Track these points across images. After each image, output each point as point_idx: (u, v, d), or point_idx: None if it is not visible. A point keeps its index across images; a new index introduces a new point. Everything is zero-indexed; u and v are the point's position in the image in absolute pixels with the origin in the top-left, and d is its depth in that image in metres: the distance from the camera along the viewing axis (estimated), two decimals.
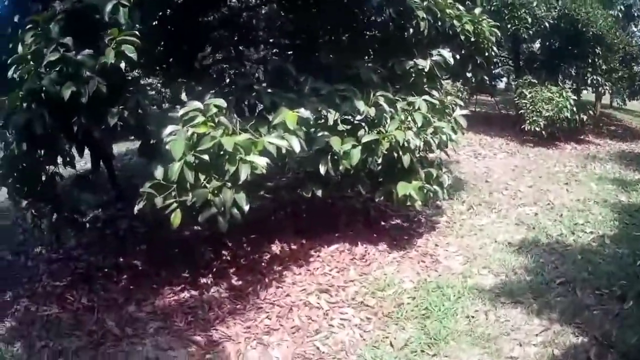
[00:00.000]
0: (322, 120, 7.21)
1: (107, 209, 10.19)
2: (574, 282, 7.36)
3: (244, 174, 5.37)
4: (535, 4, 17.50)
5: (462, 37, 8.80)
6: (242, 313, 6.90)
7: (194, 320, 6.80)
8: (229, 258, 8.40)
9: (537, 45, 22.13)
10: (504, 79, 26.89)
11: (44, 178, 6.86)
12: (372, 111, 7.16)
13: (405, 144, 7.24)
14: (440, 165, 8.53)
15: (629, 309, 6.64)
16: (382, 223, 9.72)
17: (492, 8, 17.06)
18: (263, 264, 8.24)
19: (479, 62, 9.52)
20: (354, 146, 7.14)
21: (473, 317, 6.63)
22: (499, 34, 9.68)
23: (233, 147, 5.39)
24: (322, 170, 7.15)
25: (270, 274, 7.87)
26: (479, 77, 10.40)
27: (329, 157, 7.16)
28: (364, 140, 7.16)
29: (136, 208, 5.80)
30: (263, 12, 9.99)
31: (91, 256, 8.62)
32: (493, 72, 23.19)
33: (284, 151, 5.82)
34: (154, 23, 8.21)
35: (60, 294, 7.49)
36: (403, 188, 7.62)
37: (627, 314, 6.55)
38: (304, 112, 6.17)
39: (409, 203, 7.75)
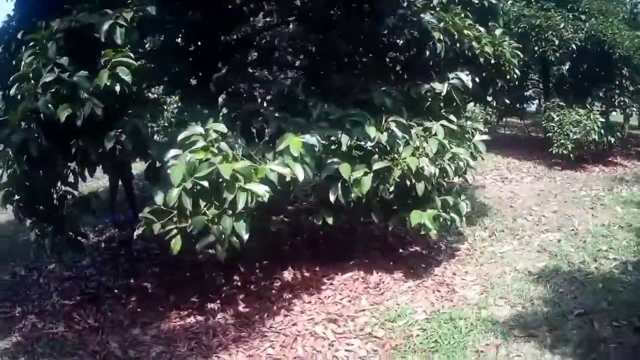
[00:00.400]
0: (335, 146, 6.88)
1: (124, 229, 10.07)
2: (592, 314, 6.81)
3: (242, 202, 5.17)
4: (562, 25, 16.90)
5: (482, 59, 8.33)
6: (246, 341, 6.64)
7: (197, 346, 6.60)
8: (239, 283, 8.12)
9: (566, 67, 21.50)
10: (536, 102, 26.23)
11: (49, 197, 6.67)
12: (383, 137, 6.70)
13: (420, 171, 6.81)
14: (458, 192, 8.08)
15: None
16: (400, 250, 9.22)
17: (519, 30, 16.73)
18: (273, 290, 7.93)
19: (499, 85, 9.05)
20: (365, 173, 6.74)
21: (482, 351, 6.15)
22: (521, 56, 9.24)
23: (231, 174, 5.17)
24: (331, 198, 6.78)
25: (280, 301, 7.56)
26: (501, 100, 9.87)
27: (340, 184, 6.74)
28: (375, 167, 6.76)
29: (136, 233, 5.70)
30: (282, 32, 9.61)
31: (103, 276, 8.56)
32: (524, 94, 22.71)
33: (288, 179, 5.55)
34: (176, 40, 8.14)
35: (67, 313, 7.44)
36: (417, 217, 7.15)
37: None
38: (310, 138, 5.86)
39: (423, 232, 7.27)
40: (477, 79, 8.29)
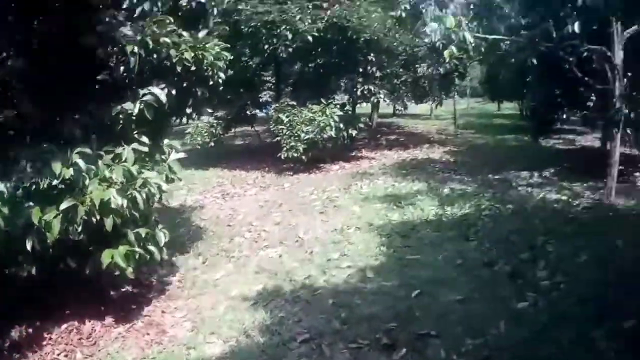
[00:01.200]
0: (34, 188, 6.84)
1: None
2: (320, 337, 6.82)
3: None
4: (298, 17, 17.12)
5: (179, 68, 8.18)
6: None
7: None
8: None
9: (303, 63, 21.34)
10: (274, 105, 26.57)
11: None
12: (69, 172, 6.69)
13: (106, 205, 6.79)
14: (157, 221, 8.05)
15: None
16: (112, 292, 8.65)
17: (250, 30, 16.88)
18: (5, 352, 7.42)
19: (200, 93, 8.88)
20: (56, 215, 6.64)
21: None
22: (228, 57, 9.01)
23: None
24: (28, 245, 6.62)
25: None
26: (201, 111, 9.86)
27: (35, 229, 6.62)
28: (61, 207, 6.64)
29: None
30: None
31: None
32: (259, 99, 22.82)
33: None
34: None
35: None
36: (108, 256, 7.04)
37: None
38: None
39: (117, 272, 7.22)
40: (173, 91, 8.19)
